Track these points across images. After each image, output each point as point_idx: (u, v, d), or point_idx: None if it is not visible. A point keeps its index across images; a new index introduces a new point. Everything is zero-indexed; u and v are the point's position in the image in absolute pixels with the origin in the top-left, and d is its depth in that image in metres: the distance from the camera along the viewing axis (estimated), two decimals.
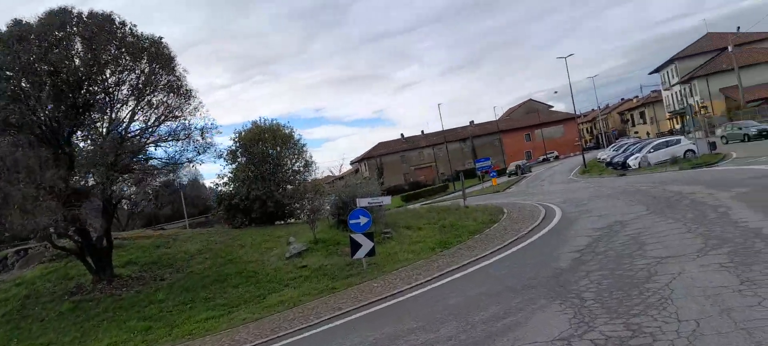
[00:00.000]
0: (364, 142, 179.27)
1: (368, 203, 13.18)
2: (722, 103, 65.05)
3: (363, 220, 12.62)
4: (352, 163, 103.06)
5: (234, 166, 23.95)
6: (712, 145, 30.54)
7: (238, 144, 24.00)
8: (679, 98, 76.93)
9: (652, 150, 33.29)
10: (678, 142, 33.15)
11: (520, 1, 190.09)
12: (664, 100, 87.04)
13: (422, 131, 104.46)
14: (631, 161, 33.71)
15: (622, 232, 12.17)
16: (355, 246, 12.61)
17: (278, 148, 23.54)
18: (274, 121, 23.92)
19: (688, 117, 27.84)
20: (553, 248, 11.99)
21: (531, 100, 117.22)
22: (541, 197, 25.78)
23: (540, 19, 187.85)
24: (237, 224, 22.57)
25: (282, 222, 23.56)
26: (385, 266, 13.41)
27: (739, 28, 79.08)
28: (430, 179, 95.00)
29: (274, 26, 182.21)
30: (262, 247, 17.30)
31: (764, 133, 34.09)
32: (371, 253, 12.65)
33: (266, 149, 23.32)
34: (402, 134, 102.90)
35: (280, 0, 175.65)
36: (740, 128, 36.68)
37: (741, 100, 50.72)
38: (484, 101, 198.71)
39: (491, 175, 41.77)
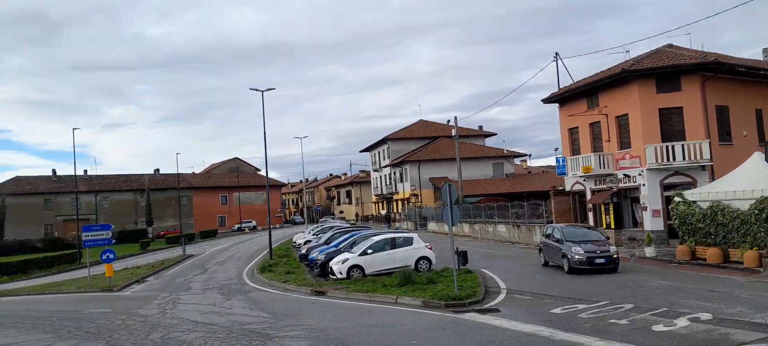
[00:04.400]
0: None
1: None
2: (431, 193, 59.65)
3: None
4: None
5: None
6: (463, 257, 18.64)
7: None
8: (389, 182, 70.83)
9: (370, 251, 20.28)
10: (408, 242, 20.82)
11: (247, 70, 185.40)
12: (372, 182, 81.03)
13: (85, 171, 79.54)
14: (337, 266, 20.15)
15: None
16: None
17: None
18: None
19: (444, 205, 14.43)
20: None
21: (237, 158, 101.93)
22: None
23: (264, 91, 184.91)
24: None
25: None
26: None
27: (453, 119, 78.42)
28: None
29: None
30: None
31: (602, 262, 17.91)
32: None
33: None
34: (54, 171, 76.42)
35: None
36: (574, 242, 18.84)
37: (460, 193, 43.60)
38: (197, 158, 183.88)
39: (105, 257, 23.52)
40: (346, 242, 23.56)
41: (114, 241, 25.15)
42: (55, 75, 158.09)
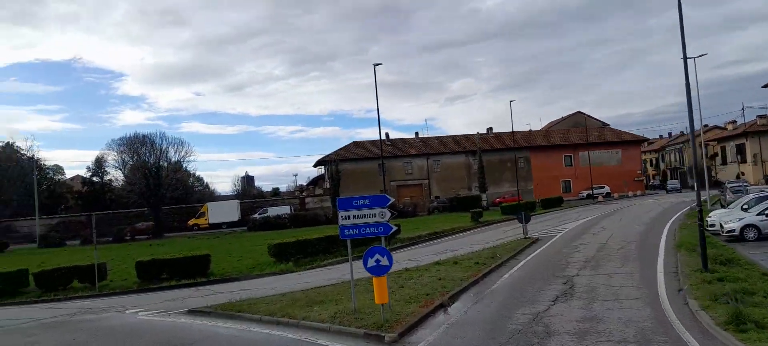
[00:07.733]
0: None
1: None
2: None
3: None
4: (315, 165, 74.01)
5: None
6: None
7: None
8: None
9: None
10: None
11: (580, 29, 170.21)
12: None
13: (417, 133, 74.42)
14: None
15: None
16: None
17: None
18: None
19: None
20: None
21: (579, 112, 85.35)
22: None
23: (602, 46, 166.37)
24: None
25: None
26: None
27: None
28: (416, 201, 65.09)
29: (334, 25, 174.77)
30: None
31: None
32: None
33: None
34: (387, 134, 73.03)
35: (343, 0, 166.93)
36: None
37: None
38: (533, 121, 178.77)
39: (371, 265, 10.94)
40: None
41: (395, 228, 13.40)
42: (406, 58, 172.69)
